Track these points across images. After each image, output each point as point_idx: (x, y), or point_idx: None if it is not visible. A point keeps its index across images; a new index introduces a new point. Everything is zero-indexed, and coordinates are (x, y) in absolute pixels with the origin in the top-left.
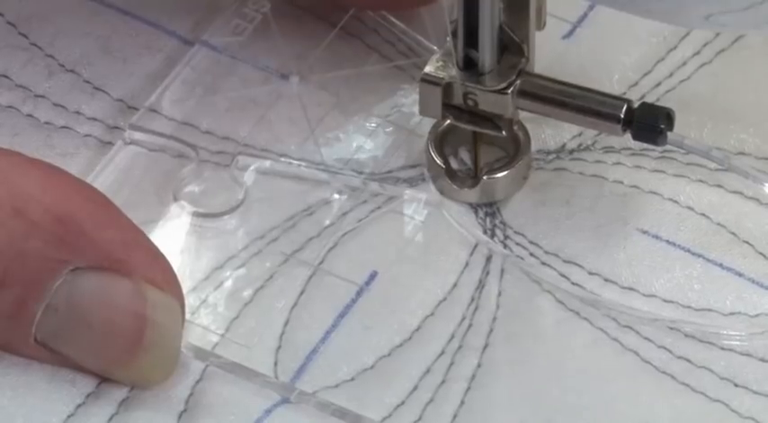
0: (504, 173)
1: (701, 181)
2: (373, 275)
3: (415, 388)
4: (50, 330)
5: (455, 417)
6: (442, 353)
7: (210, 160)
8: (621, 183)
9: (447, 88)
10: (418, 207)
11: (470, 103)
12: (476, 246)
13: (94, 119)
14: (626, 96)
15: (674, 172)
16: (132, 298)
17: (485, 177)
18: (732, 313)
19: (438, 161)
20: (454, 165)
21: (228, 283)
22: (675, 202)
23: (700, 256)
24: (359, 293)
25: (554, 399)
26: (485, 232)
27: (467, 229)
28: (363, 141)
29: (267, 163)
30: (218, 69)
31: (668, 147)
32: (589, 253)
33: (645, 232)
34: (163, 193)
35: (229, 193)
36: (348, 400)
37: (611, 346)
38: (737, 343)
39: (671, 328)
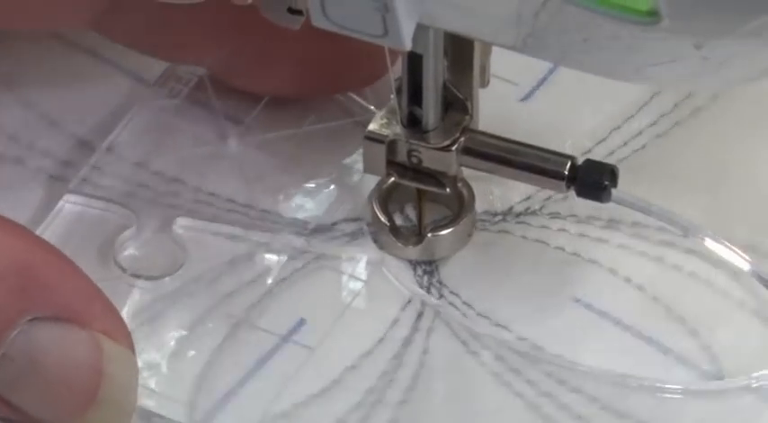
0: (448, 231)
1: (642, 253)
2: (300, 324)
3: None
4: (6, 380)
5: None
6: (359, 405)
7: (149, 224)
8: (563, 249)
9: (391, 145)
10: (357, 263)
11: (414, 160)
12: (408, 302)
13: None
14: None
15: (618, 242)
16: (89, 350)
17: (429, 235)
18: (652, 388)
19: (382, 218)
20: (398, 221)
21: (156, 337)
22: (614, 272)
23: (630, 328)
24: (283, 341)
25: None
26: (421, 289)
27: (403, 285)
28: (304, 201)
29: (206, 224)
30: (157, 130)
31: (614, 216)
32: (520, 318)
33: (578, 301)
34: (103, 255)
35: (168, 257)
36: None
37: (527, 412)
38: (648, 417)
39: (591, 399)
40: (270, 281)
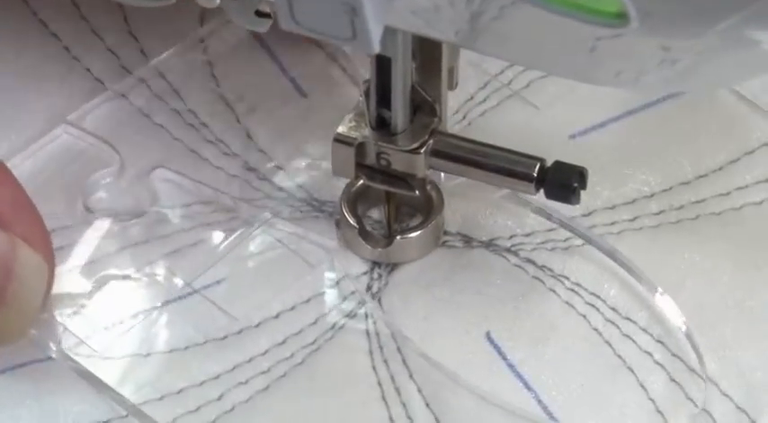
0: (415, 234)
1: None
2: (219, 282)
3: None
4: None
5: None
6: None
7: (131, 168)
8: (518, 286)
9: (360, 148)
10: (314, 248)
11: (383, 162)
12: (345, 298)
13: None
14: None
15: (566, 299)
16: (2, 251)
17: (397, 237)
18: None
19: (351, 220)
20: (368, 224)
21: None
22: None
23: (533, 392)
24: (194, 292)
25: None
26: (367, 289)
27: (349, 279)
28: (298, 174)
29: (184, 181)
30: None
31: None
32: (420, 345)
33: (490, 339)
34: (74, 192)
35: (138, 202)
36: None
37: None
38: None
39: None
40: (219, 243)
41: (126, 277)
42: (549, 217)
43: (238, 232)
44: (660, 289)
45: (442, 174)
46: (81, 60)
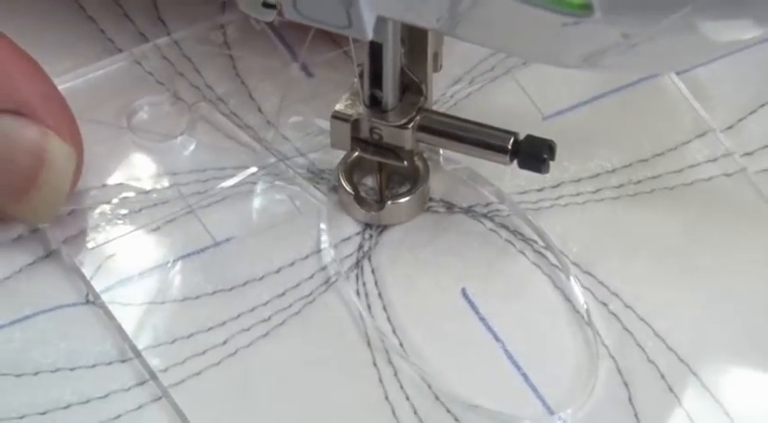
0: (404, 200)
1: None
2: (228, 240)
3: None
4: None
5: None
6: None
7: (176, 98)
8: (494, 248)
9: (355, 124)
10: (315, 207)
11: (376, 136)
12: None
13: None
14: None
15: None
16: (35, 140)
17: (388, 202)
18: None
19: (347, 188)
20: (362, 191)
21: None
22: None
23: (501, 342)
24: (210, 247)
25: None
26: (359, 248)
27: (344, 239)
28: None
29: (218, 116)
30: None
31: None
32: (403, 299)
33: (465, 295)
34: (120, 112)
35: (174, 127)
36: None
37: (378, 387)
38: None
39: (436, 398)
40: (227, 184)
41: (140, 192)
42: (498, 193)
43: (248, 193)
44: (613, 256)
45: (441, 153)
46: (114, 41)
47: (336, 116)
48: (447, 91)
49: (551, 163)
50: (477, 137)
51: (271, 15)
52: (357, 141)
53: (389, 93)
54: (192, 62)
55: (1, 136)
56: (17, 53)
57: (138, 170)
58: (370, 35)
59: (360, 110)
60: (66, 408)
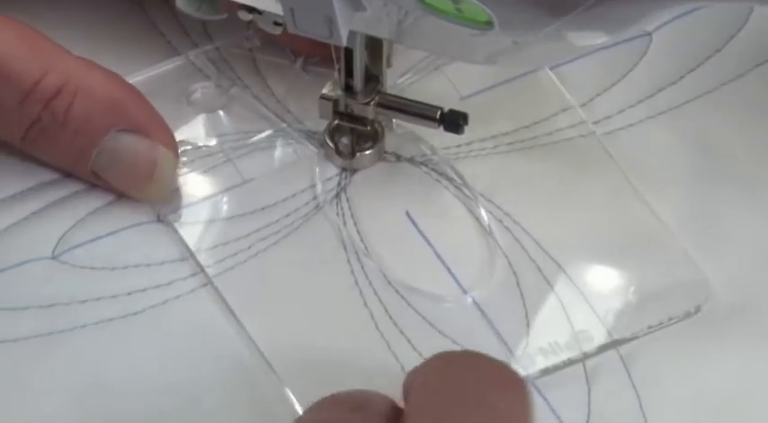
0: (368, 152)
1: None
2: (253, 179)
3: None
4: (100, 165)
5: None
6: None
7: (217, 85)
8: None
9: (336, 102)
10: (309, 153)
11: (349, 110)
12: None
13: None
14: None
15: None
16: (149, 150)
17: (357, 154)
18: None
19: (330, 144)
20: (340, 146)
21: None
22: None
23: (432, 246)
24: (240, 184)
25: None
26: (338, 185)
27: (327, 178)
28: (297, 122)
29: (246, 97)
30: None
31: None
32: (367, 218)
33: (409, 216)
34: (180, 94)
35: (216, 104)
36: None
37: (350, 276)
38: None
39: (389, 283)
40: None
41: (195, 147)
42: (431, 148)
43: (265, 148)
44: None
45: (393, 121)
46: (166, 35)
47: (323, 97)
48: (397, 81)
49: (466, 128)
50: (415, 110)
51: (279, 30)
52: (336, 113)
53: (358, 81)
54: (228, 61)
55: (126, 149)
56: (127, 86)
57: (194, 132)
58: (344, 43)
59: (338, 93)
60: (143, 291)
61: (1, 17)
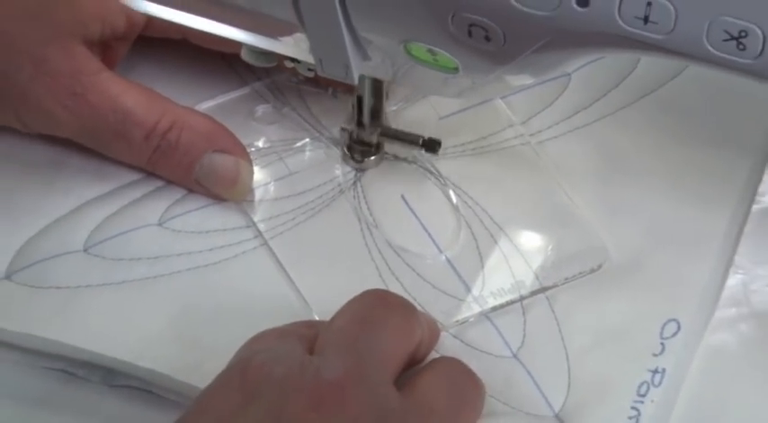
0: (372, 158)
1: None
2: (293, 174)
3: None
4: (201, 175)
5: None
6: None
7: (273, 106)
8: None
9: (350, 132)
10: (334, 155)
11: (360, 138)
12: (343, 175)
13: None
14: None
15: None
16: (233, 165)
17: (365, 160)
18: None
19: (348, 153)
20: (354, 155)
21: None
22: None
23: (418, 219)
24: (286, 176)
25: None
26: (354, 177)
27: (347, 173)
28: (327, 134)
29: (292, 114)
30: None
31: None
32: (375, 200)
33: (403, 198)
34: (247, 114)
35: (272, 119)
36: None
37: (363, 242)
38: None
39: (389, 245)
40: (294, 150)
41: (257, 149)
42: (419, 154)
43: (303, 150)
44: (480, 188)
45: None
46: (238, 72)
47: (342, 129)
48: (393, 107)
49: (440, 148)
50: (406, 138)
51: (312, 74)
52: (350, 136)
53: (365, 117)
54: (280, 90)
55: (218, 164)
56: (216, 122)
57: (256, 139)
58: (356, 82)
59: (352, 126)
60: (220, 248)
61: (126, 81)
